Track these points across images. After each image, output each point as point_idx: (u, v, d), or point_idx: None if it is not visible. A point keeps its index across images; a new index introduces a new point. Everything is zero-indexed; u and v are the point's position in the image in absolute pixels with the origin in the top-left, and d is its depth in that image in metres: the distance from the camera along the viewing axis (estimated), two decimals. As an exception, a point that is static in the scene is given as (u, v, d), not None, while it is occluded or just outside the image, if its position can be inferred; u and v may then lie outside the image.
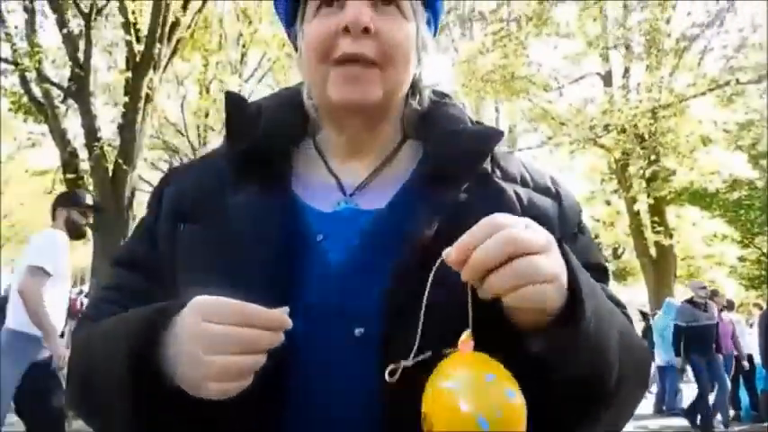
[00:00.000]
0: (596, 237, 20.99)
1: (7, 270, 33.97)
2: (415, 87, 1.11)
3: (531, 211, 1.03)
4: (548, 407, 0.87)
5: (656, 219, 17.41)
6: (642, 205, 17.95)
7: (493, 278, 0.78)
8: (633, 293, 20.85)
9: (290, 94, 1.17)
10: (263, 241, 0.96)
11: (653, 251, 17.93)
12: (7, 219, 31.09)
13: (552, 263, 0.81)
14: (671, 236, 17.61)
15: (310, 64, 1.05)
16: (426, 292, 0.84)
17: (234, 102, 1.13)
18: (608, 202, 19.45)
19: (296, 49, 1.13)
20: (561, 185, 1.15)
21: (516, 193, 1.06)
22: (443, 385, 0.78)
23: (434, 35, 1.17)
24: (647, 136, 15.07)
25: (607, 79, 18.36)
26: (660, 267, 17.31)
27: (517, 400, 0.78)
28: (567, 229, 1.09)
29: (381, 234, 0.99)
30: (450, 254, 0.80)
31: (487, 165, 1.08)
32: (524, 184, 1.10)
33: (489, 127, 1.14)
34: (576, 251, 0.98)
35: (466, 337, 0.82)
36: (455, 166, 1.04)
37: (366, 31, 0.99)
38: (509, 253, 0.77)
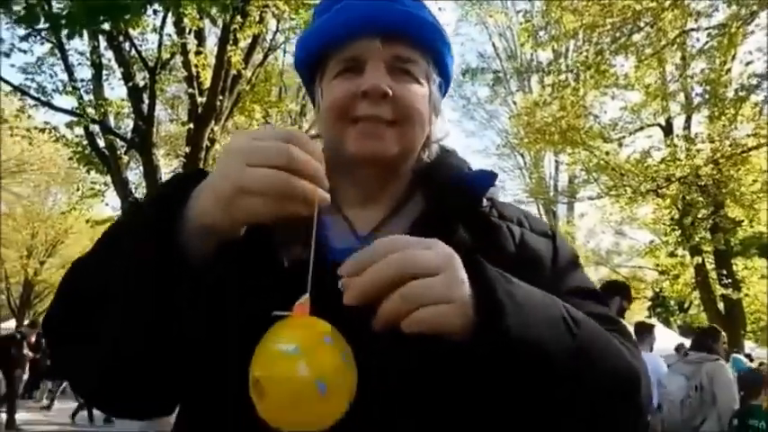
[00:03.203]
0: (661, 290, 20.46)
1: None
2: (425, 143, 1.20)
3: (524, 248, 1.15)
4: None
5: (722, 271, 16.87)
6: (708, 257, 17.47)
7: (384, 305, 0.80)
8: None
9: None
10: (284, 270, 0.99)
11: (720, 305, 17.35)
12: (65, 268, 31.97)
13: (449, 282, 0.83)
14: (739, 289, 17.02)
15: (328, 121, 1.12)
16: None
17: None
18: (671, 254, 18.95)
19: (314, 105, 1.23)
20: (559, 234, 1.25)
21: (511, 231, 1.16)
22: (279, 348, 0.75)
23: (443, 95, 1.25)
24: (709, 186, 14.72)
25: (667, 129, 18.10)
26: (728, 322, 16.68)
27: (352, 362, 0.79)
28: (560, 265, 1.17)
29: None
30: (343, 272, 0.82)
31: (486, 208, 1.18)
32: (520, 224, 1.19)
33: (484, 170, 1.22)
34: (573, 281, 1.16)
35: (304, 301, 0.79)
36: (455, 206, 1.13)
37: (384, 96, 1.07)
38: (397, 276, 0.80)
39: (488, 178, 1.19)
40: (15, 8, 8.82)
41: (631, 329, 6.04)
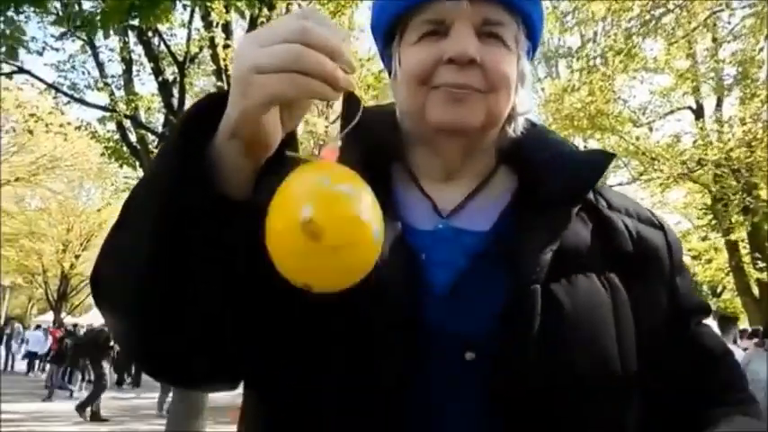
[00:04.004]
0: (694, 274, 20.23)
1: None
2: (510, 116, 1.08)
3: (641, 244, 1.04)
4: None
5: (757, 255, 16.61)
6: (742, 241, 17.23)
7: None
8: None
9: (388, 112, 1.13)
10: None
11: (755, 290, 17.10)
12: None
13: None
14: (774, 273, 16.75)
15: (408, 87, 1.03)
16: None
17: (352, 105, 1.09)
18: (704, 238, 18.71)
19: (389, 72, 1.12)
20: (661, 217, 1.13)
21: (625, 224, 1.05)
22: (336, 188, 0.71)
23: (530, 61, 1.14)
24: (742, 169, 14.49)
25: (698, 113, 17.85)
26: (764, 307, 16.43)
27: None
28: (675, 262, 1.07)
29: (489, 256, 0.97)
30: None
31: (590, 195, 1.07)
32: (629, 214, 1.08)
33: (598, 150, 1.12)
34: (683, 289, 1.07)
35: (333, 146, 0.76)
36: (563, 190, 1.02)
37: (472, 61, 0.97)
38: None
39: (603, 159, 1.08)
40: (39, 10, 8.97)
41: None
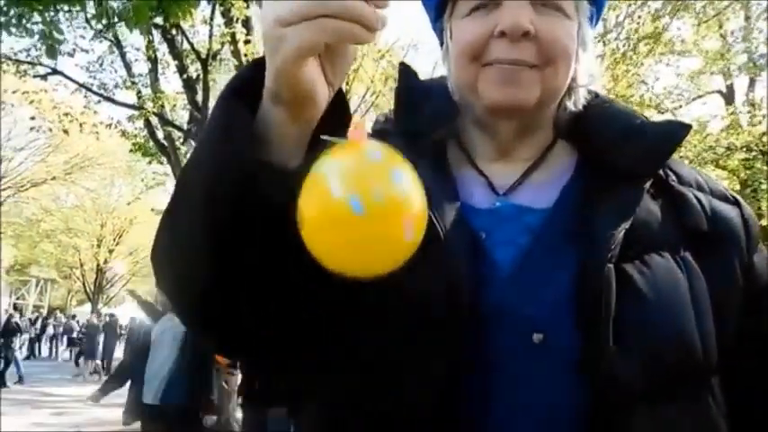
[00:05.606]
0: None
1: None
2: (570, 87, 1.00)
3: (716, 220, 0.96)
4: None
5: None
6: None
7: None
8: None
9: (443, 84, 1.06)
10: (436, 239, 0.85)
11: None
12: (133, 256, 33.45)
13: None
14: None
15: (459, 63, 0.97)
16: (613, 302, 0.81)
17: (407, 76, 1.08)
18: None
19: (441, 44, 1.06)
20: (739, 198, 1.04)
21: (698, 200, 0.96)
22: (317, 170, 0.65)
23: (593, 26, 1.05)
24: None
25: (728, 97, 17.52)
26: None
27: (406, 184, 0.64)
28: (753, 239, 0.98)
29: (554, 234, 0.91)
30: None
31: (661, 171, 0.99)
32: (701, 189, 0.99)
33: (672, 120, 1.02)
34: (761, 269, 0.98)
35: (358, 124, 0.67)
36: (633, 164, 0.94)
37: (526, 34, 0.90)
38: None
39: (678, 131, 0.97)
40: (76, 9, 9.16)
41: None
